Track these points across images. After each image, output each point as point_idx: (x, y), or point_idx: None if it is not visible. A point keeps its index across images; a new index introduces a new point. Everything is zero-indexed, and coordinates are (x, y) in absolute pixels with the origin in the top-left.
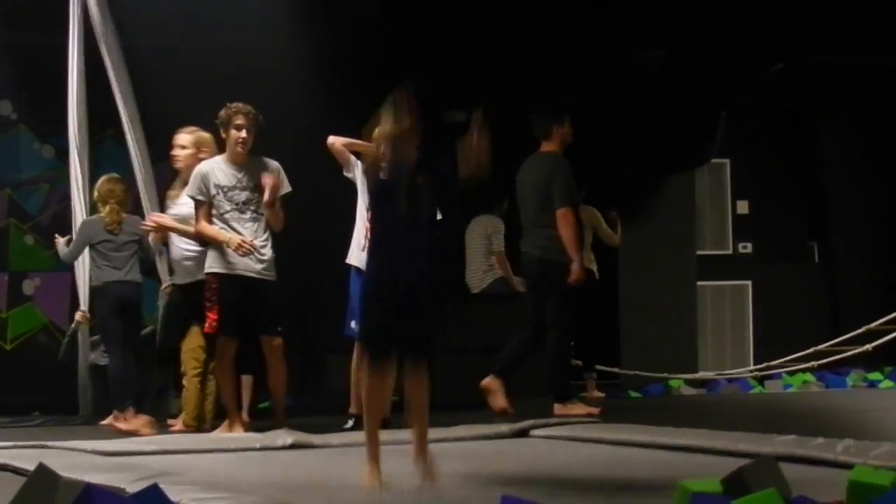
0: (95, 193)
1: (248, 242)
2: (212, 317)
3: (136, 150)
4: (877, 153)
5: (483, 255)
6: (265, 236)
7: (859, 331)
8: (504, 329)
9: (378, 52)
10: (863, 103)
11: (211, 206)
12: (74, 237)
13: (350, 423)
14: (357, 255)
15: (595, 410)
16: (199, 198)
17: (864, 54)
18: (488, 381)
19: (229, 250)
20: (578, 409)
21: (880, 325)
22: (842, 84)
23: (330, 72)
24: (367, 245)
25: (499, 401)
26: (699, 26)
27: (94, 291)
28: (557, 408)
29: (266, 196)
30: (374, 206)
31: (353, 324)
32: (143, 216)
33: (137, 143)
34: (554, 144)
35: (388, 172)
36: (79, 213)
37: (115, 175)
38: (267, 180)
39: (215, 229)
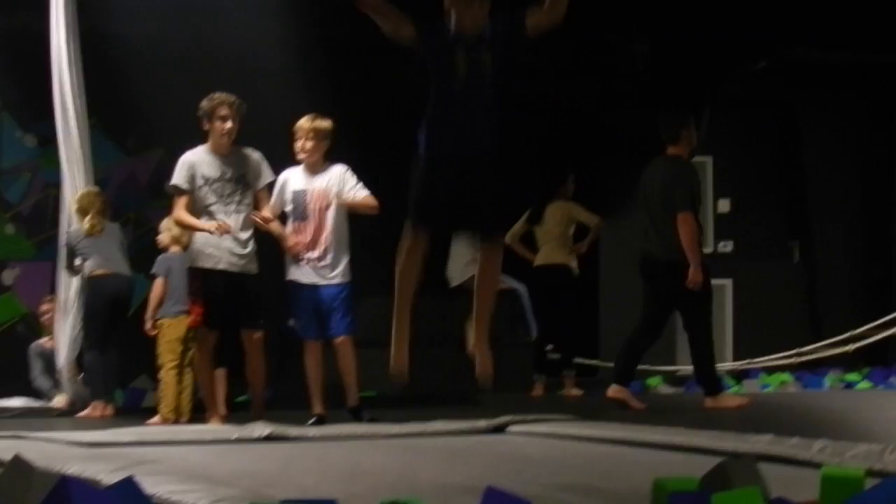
0: (75, 205)
1: (225, 224)
2: (196, 310)
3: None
4: (860, 152)
5: (466, 247)
6: (249, 233)
7: (842, 336)
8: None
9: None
10: (846, 101)
11: (192, 197)
12: (63, 249)
13: (312, 420)
14: (292, 269)
15: (745, 401)
16: (185, 187)
17: (847, 50)
18: (616, 391)
19: (210, 244)
20: (729, 401)
21: (864, 332)
22: (825, 81)
23: (315, 59)
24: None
25: (634, 404)
26: (682, 21)
27: (89, 282)
28: (708, 401)
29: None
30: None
31: (298, 325)
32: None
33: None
34: (680, 148)
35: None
36: (69, 194)
37: (94, 188)
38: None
39: (194, 220)
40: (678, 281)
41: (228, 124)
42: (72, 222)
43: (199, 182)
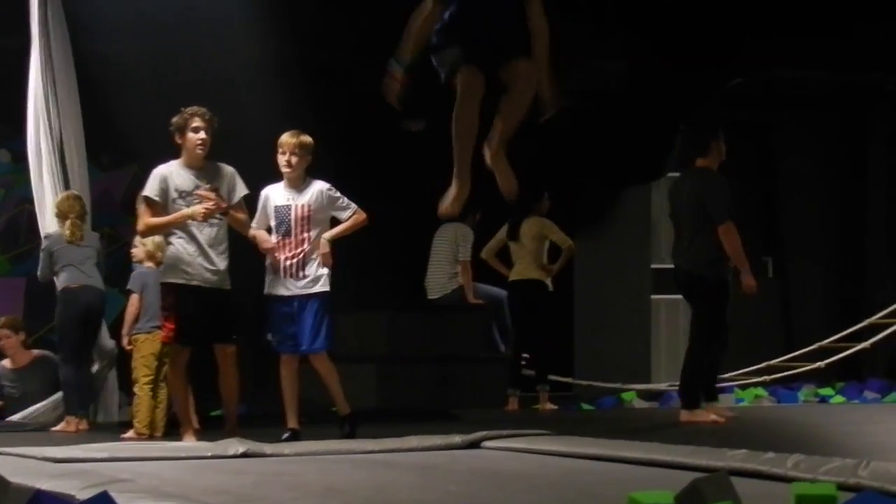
0: (55, 210)
1: (206, 194)
2: (168, 326)
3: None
4: (832, 168)
5: (449, 261)
6: (223, 246)
7: (812, 347)
8: (460, 338)
9: (338, 57)
10: (819, 120)
11: (163, 210)
12: (41, 254)
13: (286, 435)
14: (270, 284)
15: (721, 419)
16: (156, 199)
17: (820, 70)
18: (708, 412)
19: (183, 261)
20: (704, 416)
21: (832, 342)
22: (799, 101)
23: (289, 76)
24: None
25: (711, 416)
26: (658, 39)
27: (61, 295)
28: (684, 414)
29: (213, 206)
30: None
31: (275, 339)
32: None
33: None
34: (709, 160)
35: None
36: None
37: (73, 192)
38: (203, 192)
39: (163, 218)
40: (702, 292)
41: (202, 135)
42: (48, 229)
43: (173, 195)
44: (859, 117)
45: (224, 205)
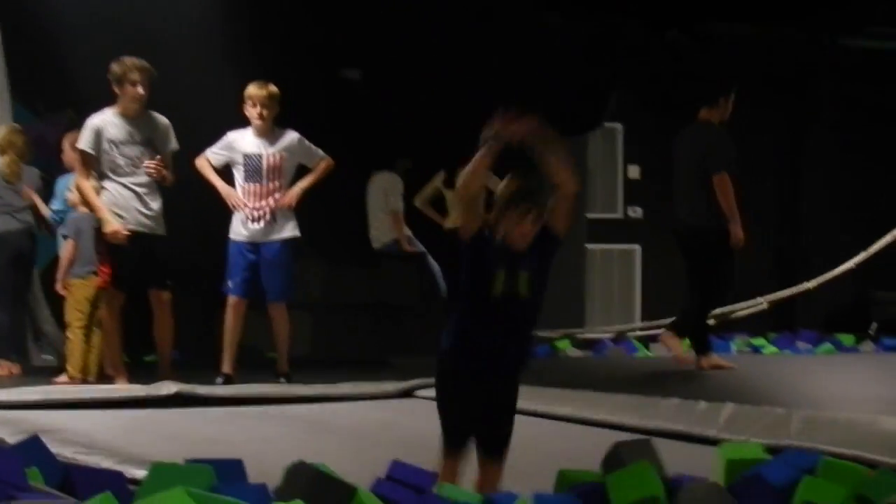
0: None
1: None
2: (104, 271)
3: None
4: (770, 122)
5: (383, 211)
6: (156, 194)
7: (754, 302)
8: (398, 287)
9: (274, 3)
10: (749, 69)
11: (96, 160)
12: None
13: (220, 380)
14: (236, 229)
15: (732, 364)
16: (91, 152)
17: (754, 23)
18: (707, 361)
19: (118, 206)
20: (718, 360)
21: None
22: (736, 53)
23: (225, 21)
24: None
25: (726, 364)
26: None
27: None
28: (702, 360)
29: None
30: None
31: (229, 283)
32: None
33: None
34: (713, 114)
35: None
36: None
37: (16, 126)
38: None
39: (94, 199)
40: (711, 241)
41: (139, 89)
42: None
43: (107, 146)
44: (801, 73)
45: (167, 180)
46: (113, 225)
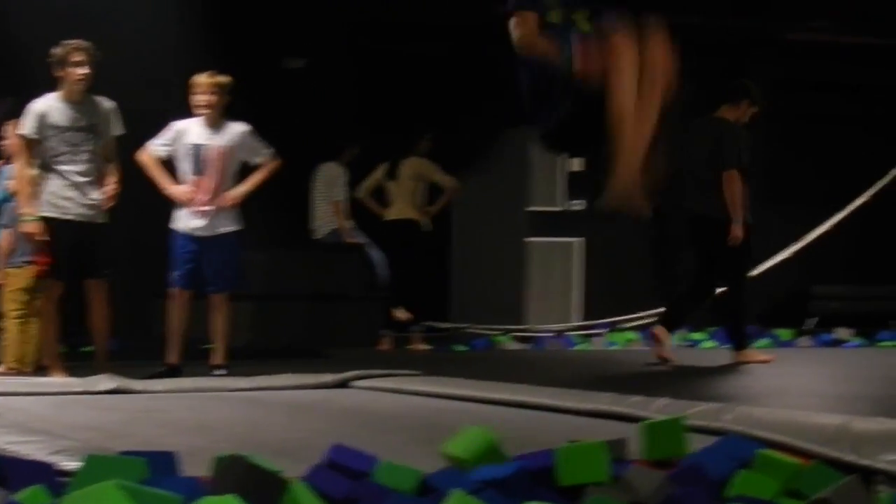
0: None
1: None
2: (43, 260)
3: None
4: (710, 112)
5: (326, 201)
6: (97, 183)
7: None
8: (337, 277)
9: None
10: (700, 65)
11: (39, 146)
12: None
13: (162, 370)
14: (180, 219)
15: (769, 357)
16: (35, 136)
17: (695, 15)
18: (659, 331)
19: (57, 194)
20: (755, 355)
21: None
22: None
23: (170, 10)
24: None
25: (761, 356)
26: None
27: None
28: (738, 355)
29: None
30: None
31: (175, 274)
32: None
33: None
34: (732, 113)
35: None
36: None
37: None
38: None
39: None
40: (721, 238)
41: (82, 70)
42: None
43: (49, 132)
44: (740, 63)
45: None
46: (30, 226)
